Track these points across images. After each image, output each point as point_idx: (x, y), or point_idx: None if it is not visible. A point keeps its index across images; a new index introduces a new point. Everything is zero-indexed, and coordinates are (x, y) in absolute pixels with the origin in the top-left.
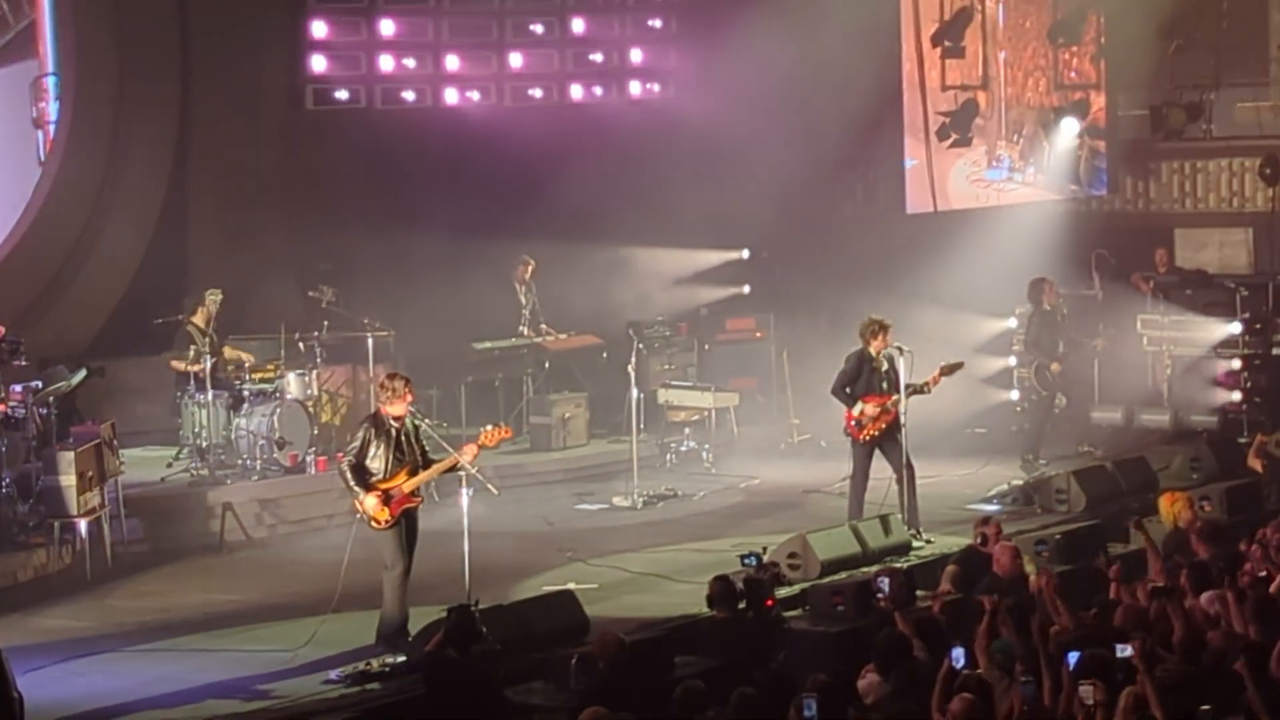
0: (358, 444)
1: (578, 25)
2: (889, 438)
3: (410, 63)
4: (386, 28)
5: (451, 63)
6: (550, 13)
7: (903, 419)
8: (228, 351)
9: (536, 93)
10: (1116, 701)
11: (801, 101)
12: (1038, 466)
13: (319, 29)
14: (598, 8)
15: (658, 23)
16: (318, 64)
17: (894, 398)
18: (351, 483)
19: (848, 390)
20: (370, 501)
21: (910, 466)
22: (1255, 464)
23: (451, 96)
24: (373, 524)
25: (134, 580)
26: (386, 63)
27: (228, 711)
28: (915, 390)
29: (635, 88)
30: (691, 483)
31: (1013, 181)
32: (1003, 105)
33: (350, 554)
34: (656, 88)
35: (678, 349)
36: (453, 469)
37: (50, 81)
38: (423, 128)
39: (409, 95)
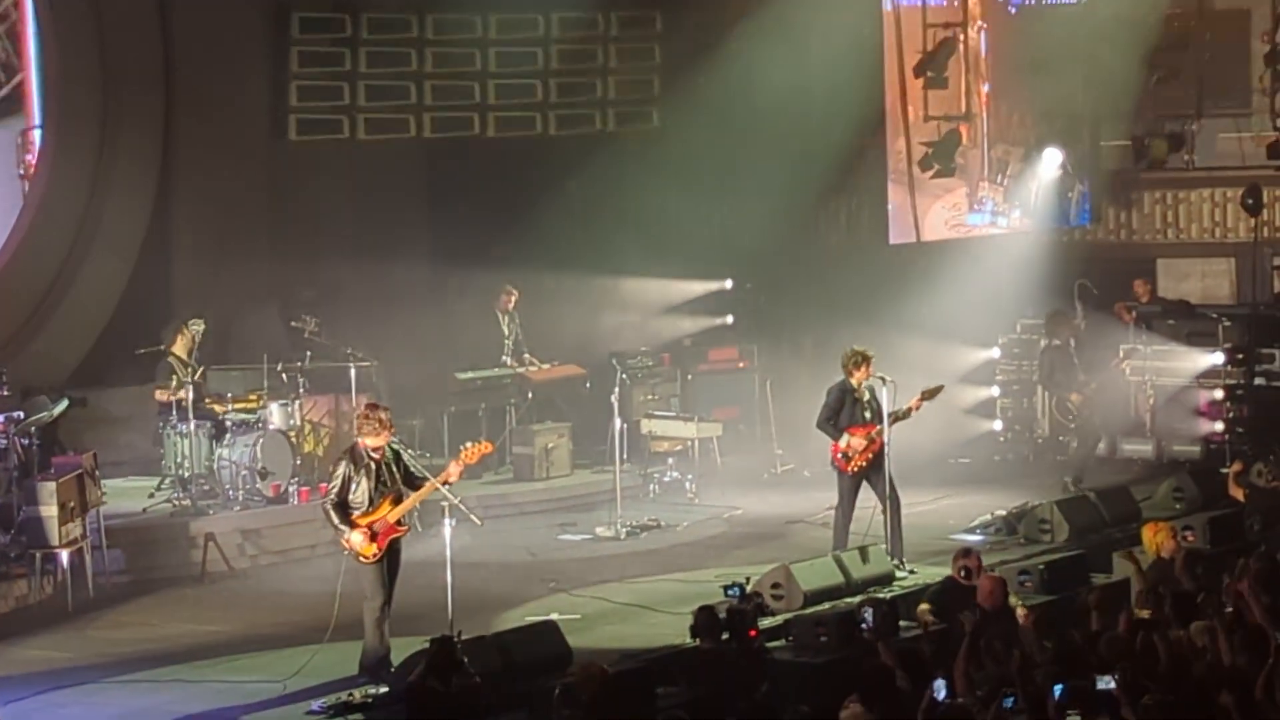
0: (338, 482)
1: (561, 54)
2: (875, 468)
3: (392, 92)
4: (368, 59)
5: (434, 93)
6: (533, 43)
7: (888, 448)
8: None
9: (518, 122)
10: None
11: (785, 131)
12: (1073, 489)
13: (300, 60)
14: (581, 37)
15: (641, 51)
16: (301, 94)
17: (878, 428)
18: (336, 521)
19: (833, 423)
20: (356, 538)
21: (896, 497)
22: (1236, 493)
23: (433, 126)
24: (360, 559)
25: (116, 611)
26: (369, 92)
27: None
28: (898, 417)
29: (617, 117)
30: (675, 513)
31: (996, 227)
32: (985, 142)
33: (340, 585)
34: (640, 117)
35: (661, 379)
36: (436, 490)
37: (37, 134)
38: (406, 157)
39: (391, 125)
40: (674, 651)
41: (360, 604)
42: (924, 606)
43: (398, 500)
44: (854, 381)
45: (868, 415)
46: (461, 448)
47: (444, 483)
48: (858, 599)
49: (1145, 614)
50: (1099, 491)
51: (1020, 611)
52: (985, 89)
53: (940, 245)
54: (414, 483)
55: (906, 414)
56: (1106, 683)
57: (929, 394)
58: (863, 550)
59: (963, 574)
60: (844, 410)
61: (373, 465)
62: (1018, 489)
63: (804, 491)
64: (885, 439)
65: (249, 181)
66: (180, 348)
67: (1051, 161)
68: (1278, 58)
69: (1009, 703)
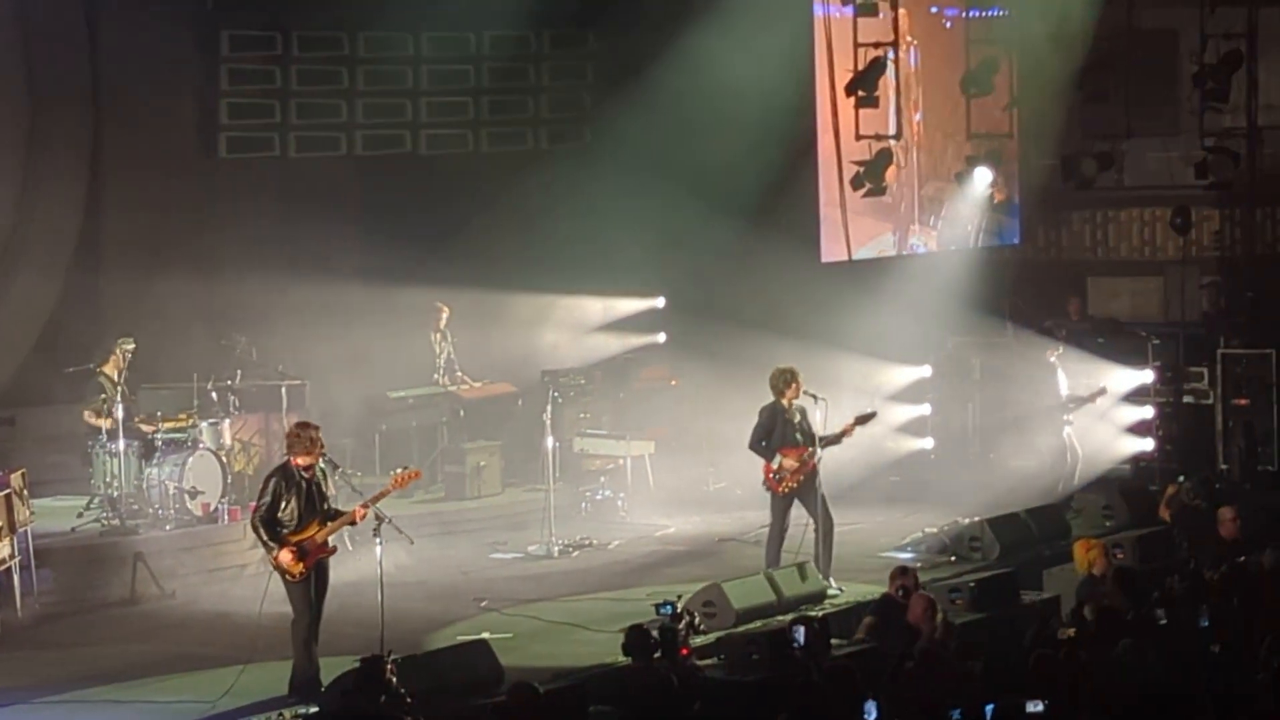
0: (269, 498)
1: (493, 72)
2: (807, 488)
3: (324, 110)
4: (299, 76)
5: (364, 110)
6: (465, 60)
7: (819, 468)
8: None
9: (451, 140)
10: None
11: (717, 148)
12: None
13: (230, 78)
14: (513, 55)
15: (573, 69)
16: (231, 111)
17: (810, 450)
18: (265, 537)
19: (765, 445)
20: (285, 555)
21: (829, 517)
22: (1164, 514)
23: (365, 144)
24: (287, 576)
25: (45, 631)
26: (300, 110)
27: None
28: (831, 441)
29: (550, 135)
30: (606, 531)
31: None
32: (917, 180)
33: (265, 604)
34: (572, 134)
35: (593, 397)
36: (353, 523)
37: None
38: (337, 175)
39: (322, 143)
40: (606, 670)
41: (289, 624)
42: (869, 620)
43: (325, 522)
44: (785, 401)
45: (799, 437)
46: (392, 473)
47: (363, 510)
48: (789, 617)
49: (1070, 633)
50: (1030, 509)
51: (926, 629)
52: (917, 118)
53: (872, 264)
54: (336, 514)
55: (839, 438)
56: (1036, 706)
57: (862, 419)
58: (796, 568)
59: (900, 593)
60: (776, 431)
61: (303, 484)
62: (949, 507)
63: (736, 510)
64: (817, 460)
65: (179, 199)
66: (110, 367)
67: (982, 181)
68: (1205, 78)
69: (956, 714)
